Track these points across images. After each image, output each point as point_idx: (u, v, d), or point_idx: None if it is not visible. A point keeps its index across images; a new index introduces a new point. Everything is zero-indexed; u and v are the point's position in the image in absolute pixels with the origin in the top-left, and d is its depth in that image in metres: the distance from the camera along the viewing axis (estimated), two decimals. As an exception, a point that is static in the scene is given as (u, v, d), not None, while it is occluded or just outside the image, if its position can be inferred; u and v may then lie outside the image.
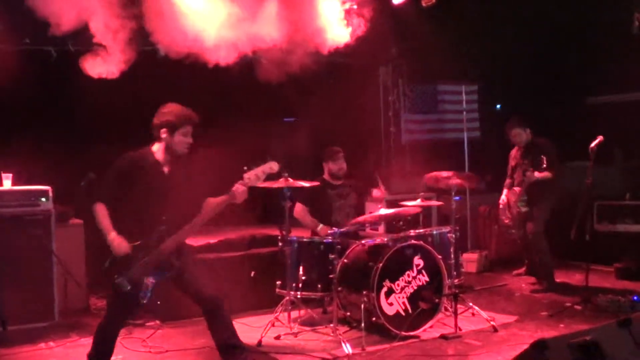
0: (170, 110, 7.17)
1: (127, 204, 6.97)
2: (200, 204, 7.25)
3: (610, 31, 12.42)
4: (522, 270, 12.26)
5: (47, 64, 10.82)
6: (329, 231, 9.21)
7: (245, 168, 7.08)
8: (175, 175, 7.18)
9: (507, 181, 11.85)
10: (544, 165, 10.44)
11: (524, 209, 11.22)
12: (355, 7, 9.73)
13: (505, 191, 11.78)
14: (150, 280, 6.87)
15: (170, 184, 7.12)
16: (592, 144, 9.84)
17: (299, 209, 10.11)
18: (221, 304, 7.04)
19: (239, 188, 7.00)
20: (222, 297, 7.07)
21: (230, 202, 7.07)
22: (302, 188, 9.63)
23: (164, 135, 7.09)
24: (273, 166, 7.19)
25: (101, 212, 6.94)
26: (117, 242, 6.85)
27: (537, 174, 10.72)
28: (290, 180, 9.01)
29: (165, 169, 7.16)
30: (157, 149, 7.17)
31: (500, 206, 11.74)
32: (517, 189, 11.32)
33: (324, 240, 9.19)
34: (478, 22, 13.13)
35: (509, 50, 13.48)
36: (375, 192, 10.53)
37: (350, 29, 9.62)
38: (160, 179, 7.10)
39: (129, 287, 6.80)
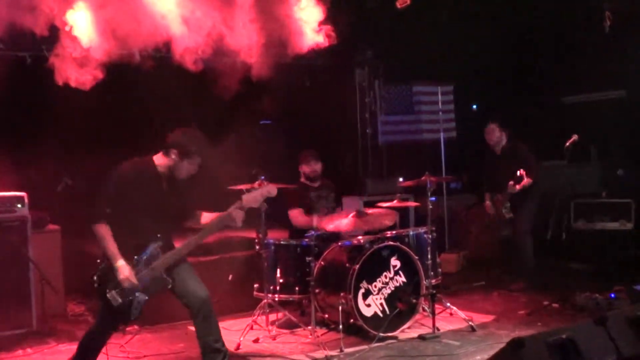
0: (191, 136, 7.19)
1: (124, 214, 6.90)
2: (192, 215, 7.35)
3: (583, 30, 12.48)
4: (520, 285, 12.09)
5: (21, 69, 10.75)
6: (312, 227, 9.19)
7: (244, 190, 7.23)
8: (173, 192, 7.19)
9: (486, 188, 11.85)
10: (525, 179, 10.52)
11: (508, 216, 11.25)
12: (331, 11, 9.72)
13: (487, 196, 11.77)
14: (141, 297, 6.86)
15: (168, 199, 7.13)
16: (567, 143, 9.88)
17: (295, 214, 10.09)
18: (208, 306, 7.05)
19: (237, 213, 7.11)
20: (211, 300, 7.08)
21: (227, 225, 7.16)
22: (286, 194, 9.66)
23: (173, 156, 7.06)
24: (271, 190, 7.31)
25: (105, 234, 6.83)
26: (126, 273, 6.78)
27: (517, 186, 10.76)
28: (266, 183, 9.01)
29: (164, 184, 7.15)
30: (159, 162, 7.13)
31: (490, 205, 11.75)
32: (500, 196, 11.33)
33: (301, 243, 9.19)
34: (453, 23, 13.15)
35: (484, 50, 13.51)
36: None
37: (325, 32, 9.61)
38: (160, 193, 7.10)
39: (120, 302, 6.79)
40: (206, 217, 7.36)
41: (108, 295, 6.78)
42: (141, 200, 6.94)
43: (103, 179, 7.06)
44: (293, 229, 10.15)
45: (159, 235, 6.99)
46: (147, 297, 6.91)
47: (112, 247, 6.81)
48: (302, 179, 10.31)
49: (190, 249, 7.18)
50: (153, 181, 7.08)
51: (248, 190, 7.22)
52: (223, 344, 7.16)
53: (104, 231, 6.82)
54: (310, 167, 10.22)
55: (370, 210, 9.58)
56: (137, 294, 6.85)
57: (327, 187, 10.40)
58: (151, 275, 6.89)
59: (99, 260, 6.91)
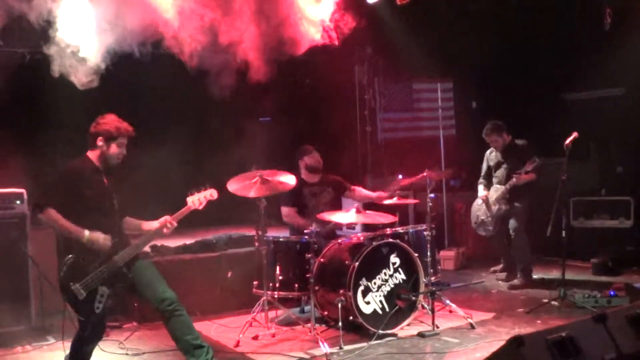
0: (109, 121, 7.27)
1: (77, 212, 6.97)
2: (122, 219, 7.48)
3: (583, 27, 12.47)
4: (500, 267, 12.29)
5: (20, 65, 10.75)
6: (306, 230, 9.16)
7: (189, 194, 7.40)
8: (112, 184, 7.33)
9: (481, 180, 11.86)
10: (530, 170, 10.55)
11: (504, 207, 11.25)
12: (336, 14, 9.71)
13: (481, 187, 11.78)
14: (104, 290, 6.89)
15: (111, 193, 7.27)
16: (567, 140, 9.87)
17: (287, 212, 10.07)
18: (179, 306, 7.07)
19: (166, 228, 7.32)
20: (178, 299, 7.11)
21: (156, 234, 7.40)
22: (282, 191, 9.66)
23: (99, 144, 7.18)
24: (213, 193, 7.50)
25: (56, 216, 6.89)
26: (100, 237, 6.90)
27: (523, 176, 10.80)
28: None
29: (105, 178, 7.27)
30: (92, 156, 7.25)
31: (479, 203, 11.74)
32: (499, 186, 11.33)
33: (300, 240, 9.18)
34: (452, 20, 13.15)
35: (483, 47, 13.50)
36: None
37: (326, 32, 9.61)
38: (103, 187, 7.22)
39: (84, 295, 6.81)
40: (144, 224, 7.52)
41: (72, 288, 6.79)
42: (89, 195, 7.04)
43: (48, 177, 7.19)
44: (292, 225, 10.15)
45: (114, 229, 7.11)
46: (109, 291, 6.93)
47: (69, 225, 6.88)
48: (302, 175, 10.27)
49: (147, 243, 7.53)
50: (95, 175, 7.19)
51: (192, 193, 7.39)
52: (202, 339, 7.19)
53: (54, 214, 6.88)
54: (314, 158, 10.16)
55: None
56: (99, 287, 6.87)
57: (326, 183, 10.33)
58: (111, 268, 6.93)
59: (70, 256, 6.89)
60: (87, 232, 6.86)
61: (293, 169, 10.25)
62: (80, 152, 7.27)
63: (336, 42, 9.72)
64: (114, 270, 6.93)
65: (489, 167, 11.78)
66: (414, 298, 8.92)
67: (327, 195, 10.26)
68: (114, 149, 7.19)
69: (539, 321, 9.18)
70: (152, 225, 7.38)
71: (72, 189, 6.99)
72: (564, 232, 9.87)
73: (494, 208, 11.42)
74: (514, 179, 10.97)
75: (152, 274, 7.23)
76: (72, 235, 6.87)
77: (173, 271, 9.52)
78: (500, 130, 11.36)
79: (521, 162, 10.77)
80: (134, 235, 7.45)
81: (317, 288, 8.90)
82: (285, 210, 10.07)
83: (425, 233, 9.66)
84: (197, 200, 7.33)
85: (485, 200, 11.60)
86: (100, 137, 7.16)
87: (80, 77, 8.30)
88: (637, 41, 11.78)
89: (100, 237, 6.88)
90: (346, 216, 9.39)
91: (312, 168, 10.18)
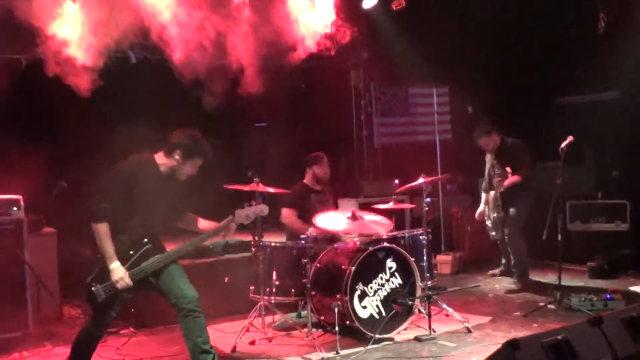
0: (195, 137, 7.20)
1: (123, 210, 6.90)
2: (182, 217, 7.45)
3: (578, 31, 12.48)
4: (497, 270, 12.30)
5: (17, 72, 10.74)
6: (302, 235, 9.18)
7: (238, 206, 7.33)
8: (169, 191, 7.21)
9: (484, 183, 11.87)
10: (509, 176, 10.59)
11: (499, 214, 11.25)
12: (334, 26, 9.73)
13: (484, 196, 11.80)
14: (124, 295, 6.89)
15: (164, 199, 7.15)
16: (563, 144, 9.89)
17: (287, 214, 10.07)
18: (197, 307, 7.01)
19: (232, 226, 7.38)
20: (199, 301, 7.06)
21: (220, 234, 7.45)
22: (287, 193, 9.66)
23: (176, 157, 7.10)
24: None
25: (105, 233, 6.80)
26: (120, 274, 6.79)
27: (505, 183, 10.85)
28: (261, 185, 8.98)
29: (164, 184, 7.15)
30: (160, 161, 7.15)
31: (483, 210, 11.77)
32: (493, 193, 11.35)
33: (297, 245, 9.19)
34: (448, 25, 13.15)
35: (479, 52, 13.50)
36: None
37: (322, 42, 9.64)
38: (159, 192, 7.09)
39: (104, 298, 6.80)
40: (202, 223, 7.45)
41: (93, 289, 6.79)
42: (141, 197, 6.93)
43: (105, 176, 7.08)
44: (289, 230, 10.14)
45: (152, 234, 7.05)
46: (130, 297, 6.94)
47: (109, 247, 6.79)
48: (306, 181, 10.27)
49: (181, 254, 7.26)
50: (154, 180, 7.08)
51: (242, 206, 7.32)
52: (211, 346, 7.13)
53: (104, 230, 6.80)
54: (324, 169, 10.19)
55: (366, 216, 9.53)
56: (120, 293, 6.86)
57: (328, 191, 10.38)
58: (139, 276, 6.90)
59: (99, 255, 6.86)
60: (114, 264, 6.79)
61: (290, 174, 10.28)
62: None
63: (332, 53, 9.75)
64: (140, 278, 6.91)
65: (488, 170, 11.80)
66: (410, 302, 8.93)
67: (331, 203, 10.31)
68: (188, 167, 7.16)
69: (535, 325, 9.18)
70: (209, 225, 7.43)
71: (125, 189, 6.90)
72: (560, 235, 9.89)
73: (493, 215, 11.45)
74: (496, 187, 11.05)
75: (178, 271, 7.16)
76: (104, 255, 6.79)
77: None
78: (488, 132, 11.37)
79: (505, 173, 10.82)
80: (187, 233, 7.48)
81: (313, 293, 8.90)
82: (286, 211, 10.06)
83: (421, 237, 9.65)
84: (244, 215, 7.36)
85: (484, 212, 11.65)
86: (179, 151, 7.09)
87: (79, 83, 8.31)
88: (631, 45, 11.79)
89: (118, 275, 6.76)
90: (341, 223, 9.37)
91: (320, 179, 10.22)
